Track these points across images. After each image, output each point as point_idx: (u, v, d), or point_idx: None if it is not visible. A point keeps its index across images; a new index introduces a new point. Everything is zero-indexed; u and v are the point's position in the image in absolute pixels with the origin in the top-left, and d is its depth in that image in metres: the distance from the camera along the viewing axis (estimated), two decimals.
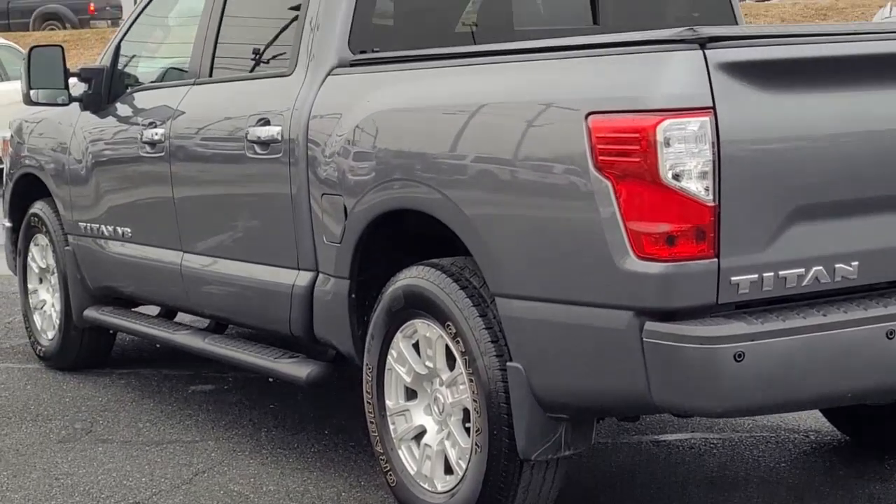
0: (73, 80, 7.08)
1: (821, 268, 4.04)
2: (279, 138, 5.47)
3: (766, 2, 37.58)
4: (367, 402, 5.12)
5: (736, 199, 3.91)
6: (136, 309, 7.39)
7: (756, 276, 3.95)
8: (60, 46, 7.12)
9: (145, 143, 6.48)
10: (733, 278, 3.93)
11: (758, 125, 3.95)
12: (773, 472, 5.53)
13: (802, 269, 4.02)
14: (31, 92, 7.04)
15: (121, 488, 5.61)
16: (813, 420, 6.05)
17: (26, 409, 7.02)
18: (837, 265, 4.07)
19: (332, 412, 6.60)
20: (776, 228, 3.98)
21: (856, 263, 4.09)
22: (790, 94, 4.00)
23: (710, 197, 3.88)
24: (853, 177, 4.10)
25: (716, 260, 3.90)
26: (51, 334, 7.83)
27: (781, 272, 3.99)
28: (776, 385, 3.91)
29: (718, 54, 3.88)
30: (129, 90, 7.00)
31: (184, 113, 6.26)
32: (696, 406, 4.00)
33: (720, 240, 3.90)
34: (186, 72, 6.52)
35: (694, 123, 3.86)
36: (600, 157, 3.99)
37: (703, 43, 3.88)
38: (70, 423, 6.71)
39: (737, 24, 6.26)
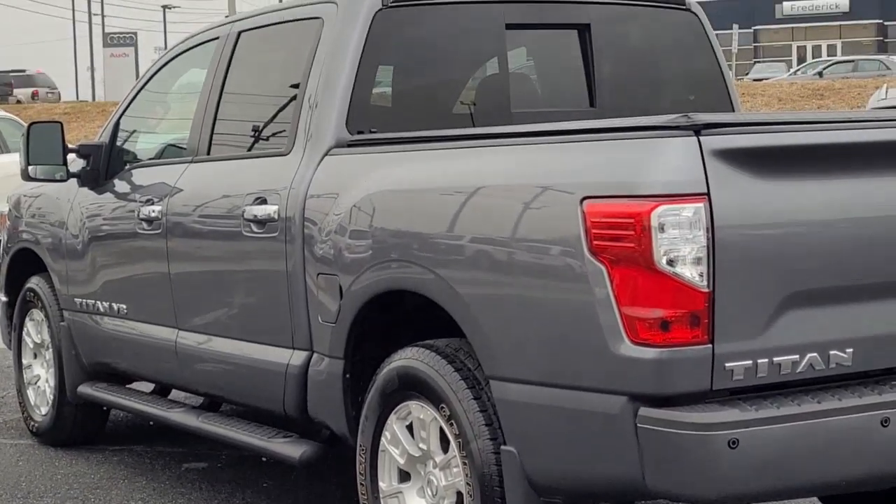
0: (71, 156, 7.12)
1: (815, 354, 4.04)
2: (276, 217, 5.49)
3: (763, 81, 37.95)
4: (361, 484, 5.09)
5: (730, 284, 3.92)
6: (130, 385, 7.38)
7: (750, 362, 3.95)
8: (60, 123, 7.16)
9: (142, 220, 6.50)
10: (728, 364, 3.93)
11: (752, 211, 3.96)
12: None
13: (797, 356, 4.02)
14: (30, 168, 7.07)
15: None
16: (807, 502, 6.02)
17: (17, 486, 6.99)
18: (832, 352, 4.07)
19: (326, 493, 6.57)
20: (771, 314, 3.99)
21: (850, 350, 4.09)
22: (785, 181, 4.02)
23: (705, 283, 3.89)
24: (848, 263, 4.11)
25: (710, 346, 3.90)
26: (44, 410, 7.81)
27: (776, 358, 3.99)
28: (771, 472, 3.90)
29: (713, 141, 3.91)
30: (127, 167, 7.03)
31: (181, 190, 6.28)
32: (690, 493, 3.97)
33: (715, 326, 3.90)
34: (185, 149, 6.55)
35: (688, 209, 3.87)
36: (595, 242, 4.01)
37: (699, 129, 3.90)
38: (61, 500, 6.68)
39: (732, 105, 6.30)
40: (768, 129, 4.09)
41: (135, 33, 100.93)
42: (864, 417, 3.99)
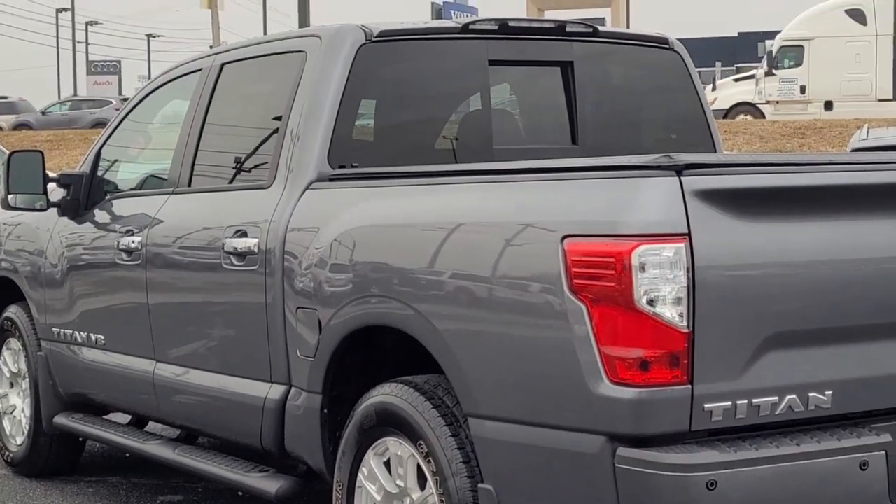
0: (51, 186, 7.09)
1: (795, 396, 4.02)
2: (255, 250, 5.46)
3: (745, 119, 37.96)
4: None
5: (710, 325, 3.90)
6: (106, 416, 7.34)
7: (729, 403, 3.93)
8: (40, 152, 7.14)
9: (122, 250, 6.47)
10: (706, 405, 3.91)
11: (733, 252, 3.95)
12: None
13: (776, 397, 4.00)
14: (10, 196, 7.05)
15: None
16: None
17: None
18: (811, 394, 4.05)
19: None
20: (751, 356, 3.97)
21: (829, 392, 4.08)
22: (766, 223, 4.01)
23: (685, 323, 3.87)
24: (828, 306, 4.10)
25: (689, 386, 3.88)
26: (20, 440, 7.76)
27: (755, 400, 3.96)
28: None
29: (695, 181, 3.89)
30: (107, 197, 7.00)
31: (161, 221, 6.26)
32: None
33: (694, 366, 3.88)
34: (166, 180, 6.53)
35: (669, 250, 3.86)
36: (575, 281, 3.99)
37: (680, 170, 3.89)
38: None
39: (714, 144, 6.30)
40: (750, 171, 4.09)
41: (119, 61, 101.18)
42: (843, 460, 3.97)
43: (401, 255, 4.76)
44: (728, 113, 38.28)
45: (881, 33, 37.54)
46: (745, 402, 3.95)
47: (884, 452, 4.01)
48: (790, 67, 38.89)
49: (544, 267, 4.10)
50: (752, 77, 40.76)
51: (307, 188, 5.38)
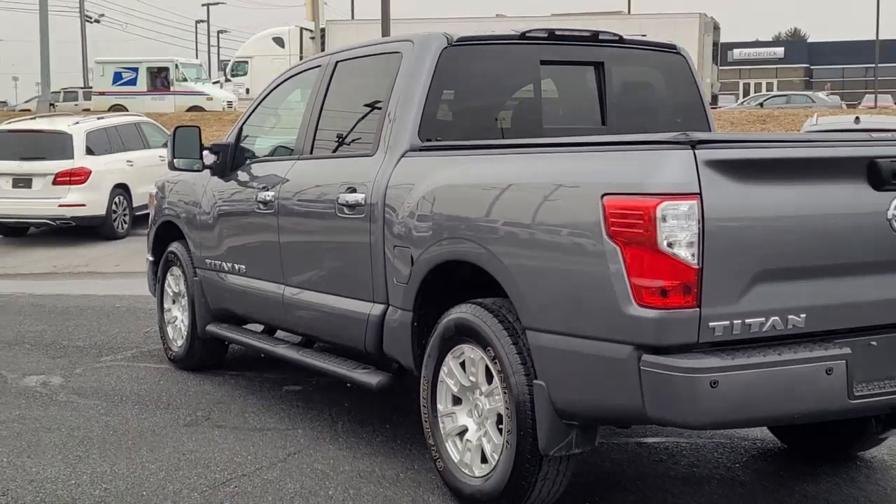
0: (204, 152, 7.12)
1: (777, 318, 3.99)
2: (363, 202, 5.46)
3: (716, 109, 37.67)
4: (423, 406, 5.08)
5: (714, 263, 3.87)
6: (245, 326, 7.38)
7: (728, 322, 3.91)
8: (198, 127, 7.15)
9: (259, 202, 6.48)
10: (710, 323, 3.89)
11: (733, 208, 3.91)
12: (730, 471, 5.46)
13: (763, 318, 3.97)
14: (175, 160, 7.07)
15: (232, 463, 5.58)
16: (759, 430, 5.98)
17: (160, 399, 7.00)
18: (790, 316, 4.01)
19: (393, 412, 6.55)
20: (744, 286, 3.94)
21: (804, 315, 4.04)
22: (758, 186, 3.96)
23: (696, 261, 3.84)
24: (803, 250, 4.05)
25: (698, 309, 3.86)
26: (180, 342, 7.83)
27: (747, 320, 3.94)
28: (742, 406, 3.86)
29: (705, 153, 3.86)
30: (247, 162, 7.01)
31: (289, 180, 6.26)
32: (681, 420, 3.94)
33: (702, 294, 3.86)
34: (292, 150, 6.53)
35: (685, 205, 3.83)
36: (612, 228, 3.97)
37: (694, 144, 3.85)
38: (193, 411, 6.69)
39: (710, 127, 6.23)
40: (747, 146, 4.04)
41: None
42: (814, 367, 3.94)
43: (475, 207, 4.73)
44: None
45: (293, 53, 44.34)
46: (740, 321, 3.93)
47: (844, 361, 3.98)
48: (241, 76, 45.52)
49: (587, 217, 4.08)
50: (218, 82, 47.37)
51: (402, 156, 5.36)
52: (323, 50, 41.30)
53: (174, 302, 7.99)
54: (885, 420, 4.36)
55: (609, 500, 4.99)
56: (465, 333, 4.78)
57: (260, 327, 7.38)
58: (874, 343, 4.18)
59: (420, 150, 5.33)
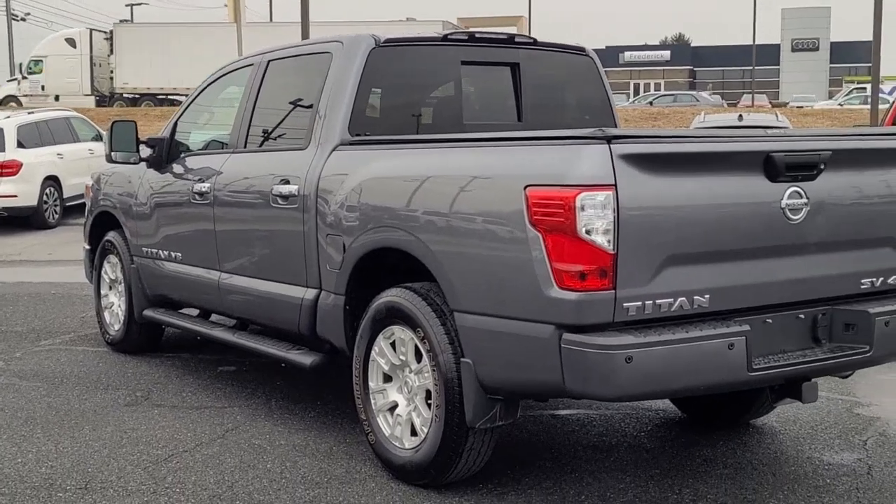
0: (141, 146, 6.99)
1: (684, 298, 4.06)
2: (296, 194, 5.42)
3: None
4: (356, 383, 5.06)
5: (628, 249, 3.92)
6: (181, 311, 7.28)
7: (640, 302, 3.96)
8: (134, 122, 7.02)
9: (195, 193, 6.40)
10: (625, 304, 3.93)
11: (645, 198, 3.95)
12: (636, 438, 5.56)
13: (672, 299, 4.03)
14: (113, 154, 6.94)
15: (172, 440, 5.51)
16: (662, 402, 6.09)
17: (99, 380, 6.88)
18: (695, 297, 4.08)
19: (323, 390, 6.54)
20: (654, 270, 3.99)
21: (707, 296, 4.11)
22: (667, 177, 4.01)
23: (611, 247, 3.89)
24: (707, 236, 4.11)
25: (613, 291, 3.91)
26: (117, 327, 7.69)
27: (657, 301, 3.99)
28: (653, 380, 3.91)
29: (619, 147, 3.89)
30: (182, 155, 6.91)
31: (224, 173, 6.19)
32: (597, 393, 3.98)
33: (617, 277, 3.91)
34: (225, 144, 6.45)
35: (601, 195, 3.87)
36: (534, 217, 4.00)
37: (609, 139, 3.90)
38: (132, 391, 6.59)
39: (615, 123, 6.29)
40: (657, 141, 4.08)
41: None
42: (717, 343, 4.00)
43: (404, 197, 4.71)
44: (1, 102, 43.75)
45: (83, 53, 44.86)
46: (651, 302, 3.98)
47: (744, 337, 4.04)
48: (37, 73, 45.28)
49: (511, 207, 4.09)
50: (16, 79, 47.32)
51: (333, 150, 5.33)
52: (112, 52, 44.52)
53: (111, 288, 7.85)
54: (777, 390, 4.45)
55: (527, 467, 5.05)
56: (395, 315, 4.78)
57: (195, 312, 7.29)
58: (769, 321, 4.29)
59: (350, 144, 5.31)
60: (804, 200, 4.31)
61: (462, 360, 4.40)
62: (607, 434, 5.62)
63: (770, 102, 56.60)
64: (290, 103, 5.95)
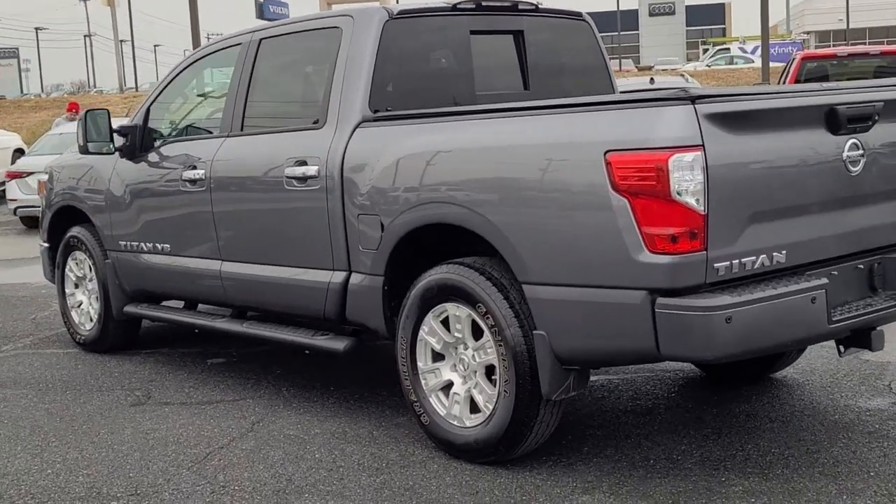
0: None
1: (765, 256, 4.05)
2: (316, 174, 5.22)
3: None
4: (402, 365, 4.92)
5: (717, 209, 3.89)
6: (164, 304, 6.99)
7: (728, 262, 3.94)
8: (107, 110, 6.68)
9: (186, 180, 6.11)
10: (715, 264, 3.91)
11: (729, 156, 3.93)
12: (670, 400, 5.56)
13: (755, 257, 4.02)
14: (88, 144, 6.59)
15: (202, 438, 5.28)
16: (676, 364, 6.10)
17: (88, 383, 6.55)
18: (774, 253, 4.09)
19: (328, 376, 6.36)
20: (739, 229, 3.98)
21: (784, 252, 4.13)
22: (746, 135, 4.00)
23: (702, 208, 3.86)
24: (783, 191, 4.13)
25: (705, 252, 3.88)
26: (89, 326, 7.34)
27: (742, 259, 3.99)
28: (748, 338, 3.89)
29: (704, 107, 3.86)
30: (159, 142, 6.59)
31: (221, 158, 5.92)
32: (695, 355, 3.97)
33: (708, 238, 3.88)
34: (215, 128, 6.18)
35: (690, 156, 3.83)
36: (620, 182, 3.92)
37: (693, 99, 3.86)
38: (130, 392, 6.29)
39: (612, 87, 6.27)
40: (739, 99, 4.05)
41: (17, 48, 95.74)
42: (802, 297, 4.00)
43: (453, 172, 4.59)
44: None
45: None
46: (738, 261, 3.97)
47: (824, 291, 4.07)
48: None
49: (590, 174, 4.00)
50: None
51: (357, 127, 5.15)
52: None
53: (77, 286, 7.48)
54: (846, 341, 4.51)
55: (579, 436, 5.00)
56: (448, 293, 4.65)
57: (182, 304, 6.99)
58: (835, 273, 4.33)
59: (374, 120, 5.13)
60: (861, 152, 4.35)
61: (535, 332, 4.31)
62: (639, 397, 5.62)
63: (636, 67, 57.68)
64: (294, 82, 5.73)
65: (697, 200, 3.85)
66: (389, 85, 5.32)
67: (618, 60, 59.14)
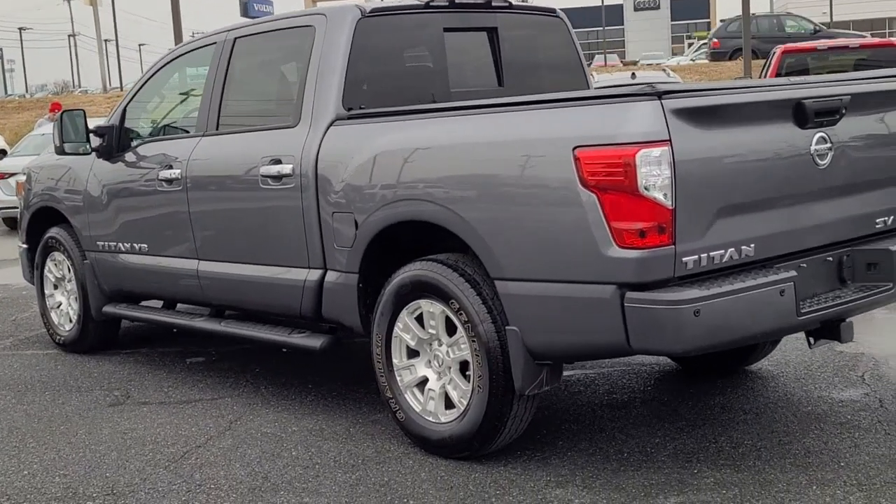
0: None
1: (733, 249, 4.08)
2: (290, 173, 5.24)
3: None
4: (377, 362, 4.93)
5: (684, 203, 3.91)
6: (142, 304, 6.99)
7: (696, 256, 3.97)
8: (83, 110, 6.68)
9: (162, 180, 6.12)
10: (683, 258, 3.93)
11: (696, 151, 3.95)
12: (645, 394, 5.60)
13: (723, 251, 4.05)
14: (64, 145, 6.58)
15: (179, 437, 5.28)
16: (652, 357, 6.14)
17: (67, 383, 6.55)
18: (742, 247, 4.12)
19: (305, 373, 6.38)
20: (707, 223, 4.00)
21: (753, 245, 4.15)
22: (713, 130, 4.02)
23: (670, 202, 3.88)
24: (750, 185, 4.15)
25: (673, 246, 3.90)
26: (68, 327, 7.34)
27: (711, 253, 4.01)
28: (717, 331, 3.90)
29: (671, 102, 3.88)
30: (136, 142, 6.60)
31: (197, 157, 5.93)
32: (664, 349, 3.99)
33: (676, 232, 3.91)
34: (191, 128, 6.18)
35: (657, 151, 3.85)
36: (588, 178, 3.95)
37: (660, 95, 3.88)
38: (109, 392, 6.29)
39: (587, 83, 6.29)
40: (705, 94, 4.08)
41: (0, 48, 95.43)
42: (771, 290, 4.02)
43: (427, 169, 4.60)
44: None
45: None
46: (706, 255, 4.00)
47: (793, 283, 4.09)
48: None
49: (559, 170, 4.02)
50: None
51: (330, 126, 5.16)
52: None
53: (56, 287, 7.48)
54: (815, 332, 4.54)
55: (554, 430, 5.03)
56: (422, 289, 4.67)
57: (158, 304, 7.01)
58: (804, 265, 4.36)
59: (347, 118, 5.15)
60: (828, 145, 4.39)
61: (508, 327, 4.34)
62: (615, 391, 5.65)
63: (621, 62, 57.80)
64: (269, 81, 5.74)
65: (665, 195, 3.88)
66: (363, 83, 5.34)
67: (603, 55, 59.26)
